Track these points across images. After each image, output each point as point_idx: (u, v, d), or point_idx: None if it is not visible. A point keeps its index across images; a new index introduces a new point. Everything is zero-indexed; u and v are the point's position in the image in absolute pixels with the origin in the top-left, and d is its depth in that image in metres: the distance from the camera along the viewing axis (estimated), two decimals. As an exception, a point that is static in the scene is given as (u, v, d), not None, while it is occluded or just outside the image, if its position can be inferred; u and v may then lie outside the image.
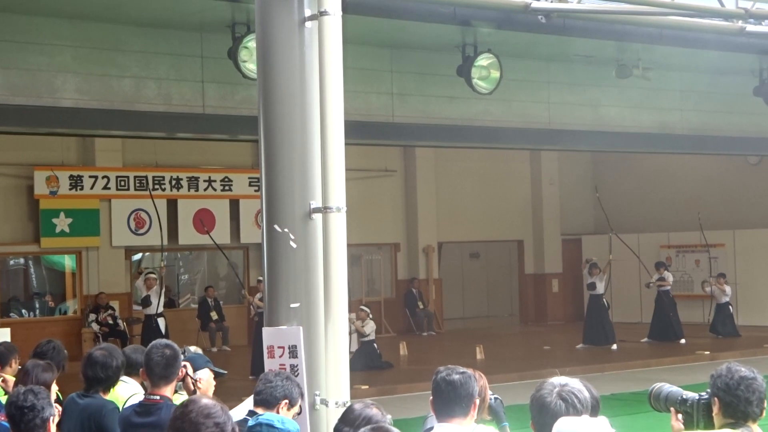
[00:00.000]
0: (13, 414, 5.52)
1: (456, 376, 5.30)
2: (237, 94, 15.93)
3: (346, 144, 7.05)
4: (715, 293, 25.73)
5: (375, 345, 21.62)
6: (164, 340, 6.62)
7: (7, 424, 5.65)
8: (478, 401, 5.41)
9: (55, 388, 7.17)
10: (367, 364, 20.77)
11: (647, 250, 29.03)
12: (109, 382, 7.01)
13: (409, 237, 29.82)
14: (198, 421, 4.52)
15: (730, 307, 25.88)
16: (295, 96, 7.15)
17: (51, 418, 5.52)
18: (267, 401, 5.98)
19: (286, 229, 7.06)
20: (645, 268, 26.11)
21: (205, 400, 4.79)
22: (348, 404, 5.34)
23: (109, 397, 7.17)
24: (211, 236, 22.51)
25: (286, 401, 5.98)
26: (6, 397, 7.20)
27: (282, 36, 7.18)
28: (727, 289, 25.79)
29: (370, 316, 21.92)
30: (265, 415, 5.88)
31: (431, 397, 5.39)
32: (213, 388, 6.82)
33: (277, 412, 5.94)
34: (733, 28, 14.88)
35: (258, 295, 21.40)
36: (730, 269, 27.10)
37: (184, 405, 4.73)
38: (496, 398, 6.44)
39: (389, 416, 5.28)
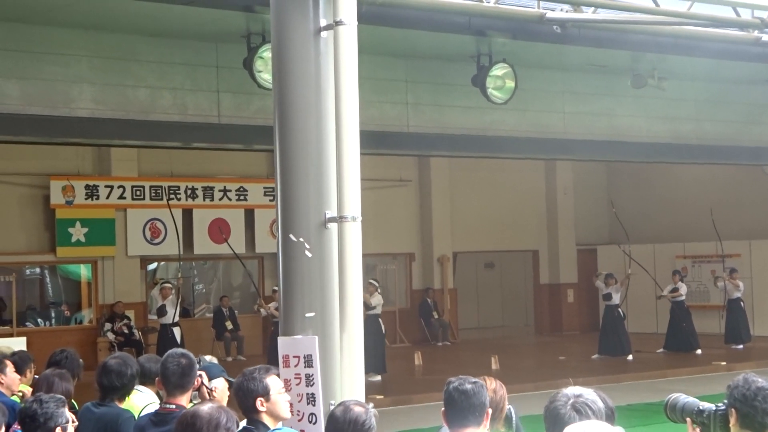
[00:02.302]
0: (24, 422, 5.56)
1: (469, 386, 5.28)
2: (252, 104, 15.96)
3: (361, 153, 7.06)
4: (727, 288, 25.69)
5: (380, 320, 21.52)
6: (180, 350, 6.62)
7: None
8: (490, 411, 5.40)
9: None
10: (373, 345, 20.61)
11: (663, 260, 28.96)
12: (124, 391, 7.01)
13: (423, 247, 29.80)
14: None
15: (742, 303, 25.80)
16: (310, 106, 7.16)
17: (60, 427, 5.53)
18: None
19: (301, 239, 7.06)
20: (657, 284, 26.00)
21: (206, 411, 4.80)
22: (329, 414, 5.38)
23: (124, 406, 7.18)
24: (229, 244, 22.53)
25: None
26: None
27: (297, 46, 7.19)
28: (741, 284, 25.73)
29: (379, 290, 21.91)
30: (283, 430, 5.87)
31: (443, 408, 5.37)
32: (227, 398, 6.82)
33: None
34: (749, 37, 14.86)
35: (273, 304, 21.43)
36: (746, 279, 27.00)
37: (190, 423, 4.72)
38: (508, 407, 6.40)
39: (373, 409, 5.34)
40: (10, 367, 8.42)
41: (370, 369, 20.43)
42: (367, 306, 20.99)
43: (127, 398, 7.08)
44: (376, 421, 5.31)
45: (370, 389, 17.91)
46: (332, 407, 5.44)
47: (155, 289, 23.39)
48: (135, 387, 7.41)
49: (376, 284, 22.15)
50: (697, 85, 20.16)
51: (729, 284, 25.71)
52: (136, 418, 6.83)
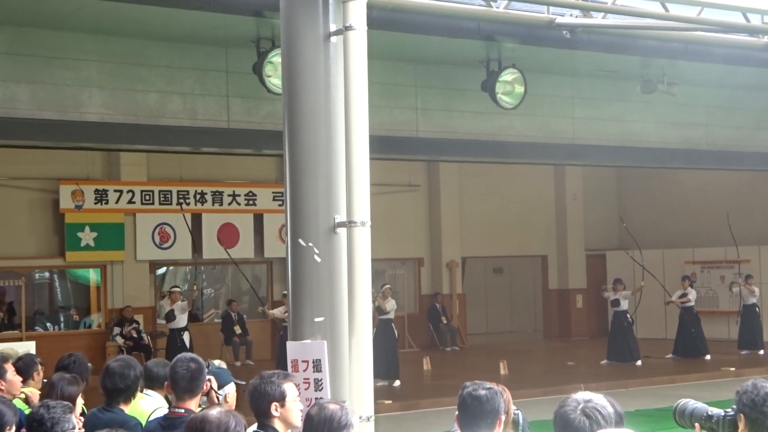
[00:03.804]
0: (31, 427, 5.57)
1: (482, 392, 5.29)
2: (261, 109, 15.98)
3: (370, 158, 7.07)
4: (743, 294, 25.61)
5: (393, 325, 21.55)
6: (189, 354, 6.62)
7: None
8: (504, 418, 5.40)
9: (80, 401, 7.19)
10: (384, 349, 20.71)
11: (672, 266, 28.92)
12: (129, 393, 6.99)
13: (432, 252, 29.79)
14: None
15: (757, 308, 25.72)
16: (319, 110, 7.16)
17: None
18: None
19: (310, 243, 7.07)
20: (665, 290, 25.93)
21: (214, 415, 4.82)
22: (306, 414, 5.40)
23: (132, 410, 7.19)
24: (229, 253, 22.50)
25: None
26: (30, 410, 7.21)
27: (307, 51, 7.20)
28: (756, 290, 25.64)
29: (391, 294, 21.99)
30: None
31: (457, 412, 5.37)
32: (234, 401, 6.83)
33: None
34: (759, 43, 14.86)
35: (281, 308, 21.43)
36: (756, 285, 26.91)
37: (199, 428, 4.73)
38: (516, 412, 6.40)
39: (348, 404, 5.38)
40: (10, 371, 8.39)
41: (382, 374, 20.47)
42: (381, 311, 21.05)
43: (132, 400, 7.07)
44: (355, 418, 5.32)
45: (382, 394, 17.93)
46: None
47: (165, 299, 23.36)
48: (144, 391, 7.42)
49: (391, 289, 22.29)
50: (707, 90, 20.13)
51: (744, 290, 25.64)
52: (145, 422, 6.84)
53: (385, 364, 20.67)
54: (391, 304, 21.47)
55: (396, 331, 21.83)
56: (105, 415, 6.91)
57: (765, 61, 16.18)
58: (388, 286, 22.37)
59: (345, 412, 5.24)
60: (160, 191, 25.06)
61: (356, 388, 6.93)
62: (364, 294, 6.95)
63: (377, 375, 20.15)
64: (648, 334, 28.38)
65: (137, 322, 24.50)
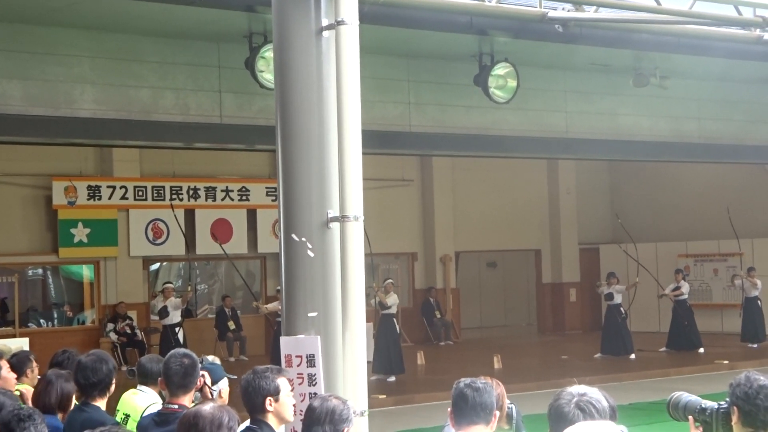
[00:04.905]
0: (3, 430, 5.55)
1: (480, 384, 5.32)
2: (254, 104, 15.96)
3: (363, 153, 7.06)
4: (745, 286, 25.65)
5: (395, 320, 21.58)
6: (182, 350, 6.61)
7: None
8: (498, 414, 5.40)
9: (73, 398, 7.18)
10: (387, 345, 20.72)
11: (665, 259, 28.93)
12: (103, 386, 6.94)
13: (426, 246, 29.79)
14: None
15: (759, 301, 25.75)
16: (312, 105, 7.16)
17: None
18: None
19: (303, 239, 7.07)
20: (659, 283, 25.95)
21: (208, 410, 4.82)
22: (307, 405, 5.47)
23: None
24: (223, 248, 22.51)
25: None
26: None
27: (299, 45, 7.20)
28: (758, 282, 25.67)
29: (393, 289, 22.05)
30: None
31: (450, 408, 5.36)
32: (228, 397, 6.84)
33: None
34: (751, 36, 14.86)
35: (276, 304, 21.42)
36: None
37: (192, 423, 4.73)
38: (510, 406, 6.41)
39: (350, 402, 5.45)
40: (5, 368, 8.39)
41: (386, 369, 20.50)
42: (383, 305, 21.07)
43: (107, 393, 7.02)
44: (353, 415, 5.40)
45: (375, 389, 17.92)
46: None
47: (157, 298, 23.32)
48: (138, 387, 7.42)
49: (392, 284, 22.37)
50: (700, 83, 20.14)
51: (747, 282, 25.69)
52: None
53: (388, 360, 20.70)
54: (392, 299, 21.48)
55: (398, 326, 21.85)
56: (81, 415, 6.81)
57: (758, 54, 16.19)
58: (390, 280, 22.43)
59: (347, 406, 5.35)
60: (153, 187, 25.03)
61: (350, 383, 6.93)
62: (357, 289, 6.95)
63: (380, 371, 20.36)
64: (641, 327, 28.39)
65: (131, 318, 24.49)
